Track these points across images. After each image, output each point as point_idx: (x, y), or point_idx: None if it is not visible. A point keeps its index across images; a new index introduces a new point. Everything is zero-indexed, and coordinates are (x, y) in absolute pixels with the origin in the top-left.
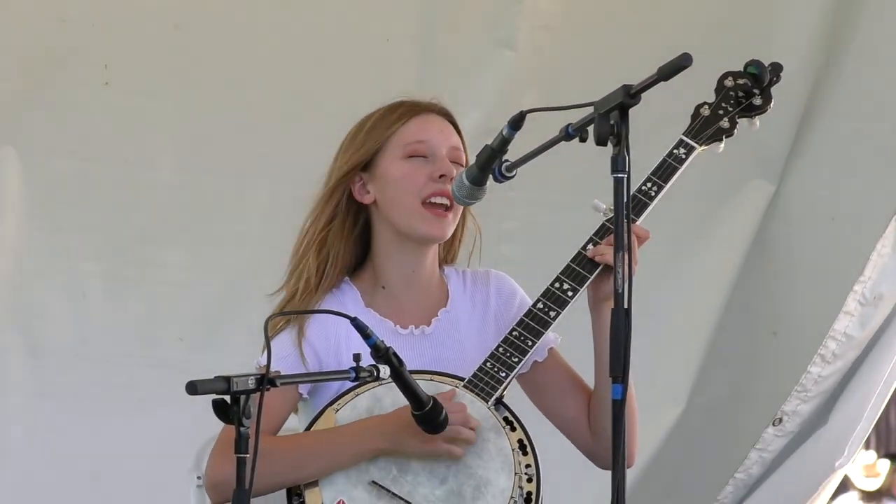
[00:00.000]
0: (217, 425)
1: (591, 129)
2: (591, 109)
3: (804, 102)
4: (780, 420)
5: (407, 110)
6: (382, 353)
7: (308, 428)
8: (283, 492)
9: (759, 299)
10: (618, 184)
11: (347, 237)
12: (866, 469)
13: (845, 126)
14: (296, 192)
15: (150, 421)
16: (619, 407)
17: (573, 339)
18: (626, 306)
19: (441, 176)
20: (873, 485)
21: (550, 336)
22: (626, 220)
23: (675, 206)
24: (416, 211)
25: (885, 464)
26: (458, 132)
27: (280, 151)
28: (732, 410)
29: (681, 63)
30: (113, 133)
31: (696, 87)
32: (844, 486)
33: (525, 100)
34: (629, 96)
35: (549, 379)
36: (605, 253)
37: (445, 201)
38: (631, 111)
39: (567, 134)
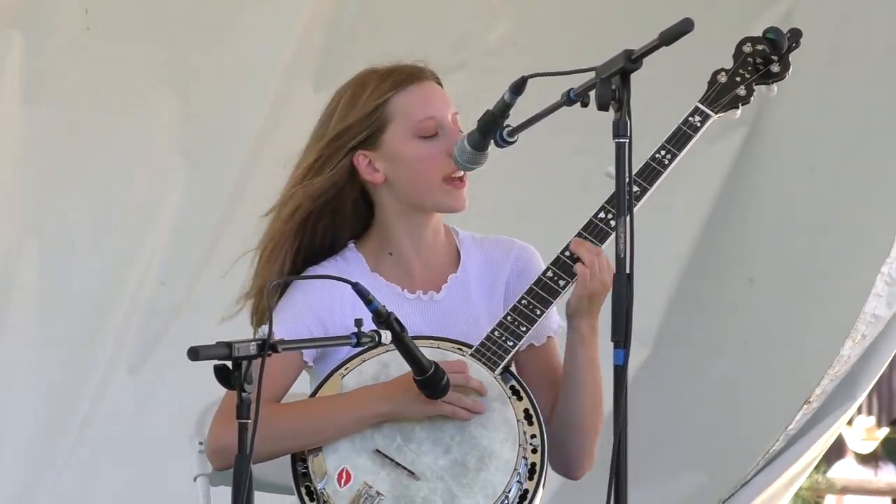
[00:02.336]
0: (202, 375)
1: (592, 93)
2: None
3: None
4: (810, 401)
5: (402, 79)
6: (384, 319)
7: (314, 393)
8: (289, 461)
9: (733, 245)
10: (619, 149)
11: (349, 211)
12: (867, 432)
13: (821, 69)
14: (281, 142)
15: (135, 368)
16: (620, 373)
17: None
18: (627, 271)
19: None
20: (868, 448)
21: (555, 320)
22: (627, 185)
23: (645, 146)
24: (438, 187)
25: (884, 430)
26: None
27: (269, 91)
28: (706, 356)
29: (682, 28)
30: (95, 79)
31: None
32: (841, 451)
33: (491, 36)
34: (630, 61)
35: (535, 366)
36: (582, 255)
37: (461, 173)
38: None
39: (569, 99)
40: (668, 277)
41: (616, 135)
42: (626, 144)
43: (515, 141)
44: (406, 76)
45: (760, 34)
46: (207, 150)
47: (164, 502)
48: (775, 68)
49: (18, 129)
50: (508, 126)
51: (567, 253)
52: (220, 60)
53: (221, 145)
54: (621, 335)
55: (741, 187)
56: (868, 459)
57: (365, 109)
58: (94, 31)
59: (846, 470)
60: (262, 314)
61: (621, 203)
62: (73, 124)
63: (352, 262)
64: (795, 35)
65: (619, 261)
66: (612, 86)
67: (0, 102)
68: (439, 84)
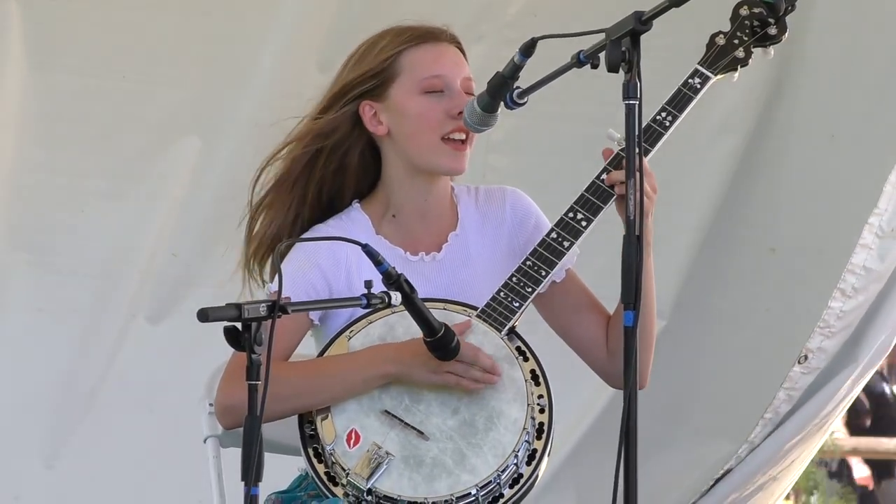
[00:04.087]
0: (211, 341)
1: (602, 55)
2: (602, 36)
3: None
4: (806, 357)
5: (417, 35)
6: (394, 280)
7: (321, 354)
8: (296, 422)
9: (754, 214)
10: (629, 110)
11: (357, 164)
12: None
13: (842, 37)
14: (295, 110)
15: (145, 336)
16: (630, 333)
17: (593, 259)
18: (637, 233)
19: (459, 113)
20: None
21: (567, 254)
22: (637, 147)
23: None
24: (436, 146)
25: None
26: (465, 57)
27: (277, 66)
28: (729, 325)
29: None
30: (112, 48)
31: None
32: None
33: (511, 9)
34: (640, 23)
35: (567, 299)
36: (621, 180)
37: (463, 136)
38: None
39: (579, 61)
40: (687, 249)
41: (626, 96)
42: (636, 106)
43: (525, 102)
44: (423, 34)
45: None
46: (219, 122)
47: (177, 463)
48: (772, 31)
49: (26, 95)
50: (518, 88)
51: (570, 215)
52: (230, 35)
53: (232, 118)
54: (631, 297)
55: (761, 156)
56: None
57: (376, 60)
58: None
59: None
60: (271, 272)
61: (630, 164)
62: (85, 92)
63: (357, 223)
64: None
65: (629, 222)
66: (622, 47)
67: (7, 68)
68: (460, 49)
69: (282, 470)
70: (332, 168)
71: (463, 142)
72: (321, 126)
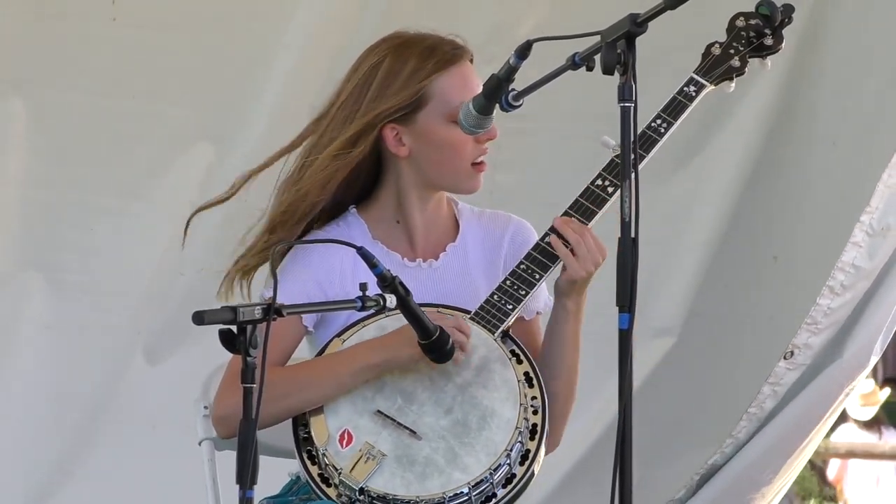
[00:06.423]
0: (215, 357)
1: (597, 57)
2: (597, 38)
3: (805, 19)
4: (792, 353)
5: (446, 60)
6: (389, 283)
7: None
8: (290, 424)
9: (758, 222)
10: (624, 113)
11: (362, 175)
12: (864, 398)
13: (847, 46)
14: (298, 127)
15: (152, 352)
16: (625, 337)
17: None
18: (632, 235)
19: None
20: (867, 414)
21: (544, 297)
22: (632, 150)
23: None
24: (465, 171)
25: (885, 392)
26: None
27: (286, 83)
28: (732, 337)
29: None
30: (120, 67)
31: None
32: (843, 415)
33: (521, 30)
34: (636, 25)
35: (523, 340)
36: (558, 249)
37: (485, 156)
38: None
39: (574, 63)
40: (699, 263)
41: (621, 99)
42: (632, 109)
43: (521, 105)
44: (449, 57)
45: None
46: (229, 140)
47: (178, 472)
48: (768, 41)
49: (36, 114)
50: (514, 90)
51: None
52: (239, 53)
53: (243, 136)
54: (626, 299)
55: (764, 164)
56: (871, 424)
57: (407, 91)
58: (120, 20)
59: (850, 434)
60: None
61: (626, 166)
62: (95, 111)
63: (354, 228)
64: (788, 10)
65: (624, 225)
66: (618, 49)
67: (17, 87)
68: (471, 60)
69: (272, 475)
70: (345, 182)
71: (484, 162)
72: (354, 159)
